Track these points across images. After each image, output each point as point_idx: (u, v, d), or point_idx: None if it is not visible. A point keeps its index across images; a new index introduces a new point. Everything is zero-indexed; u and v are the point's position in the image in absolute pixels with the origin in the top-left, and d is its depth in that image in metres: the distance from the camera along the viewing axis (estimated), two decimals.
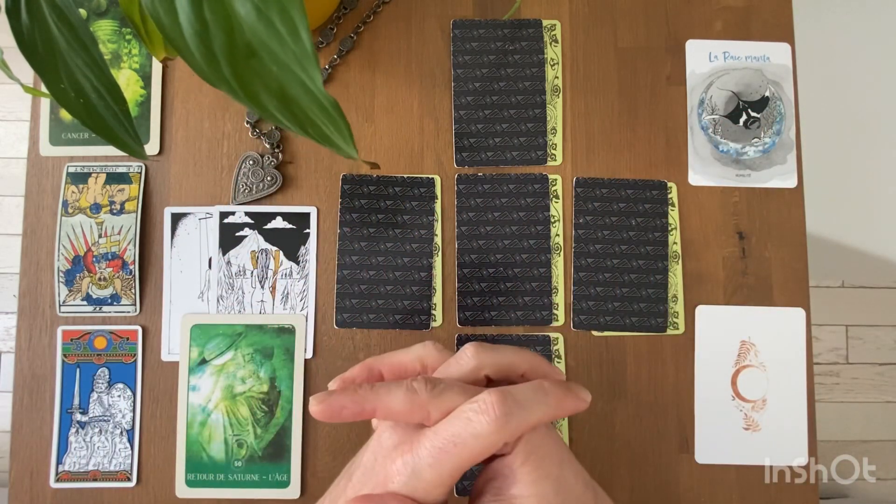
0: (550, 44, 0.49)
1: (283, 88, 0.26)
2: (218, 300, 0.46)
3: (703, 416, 0.46)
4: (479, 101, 0.48)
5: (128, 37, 0.48)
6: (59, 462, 0.45)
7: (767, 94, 0.48)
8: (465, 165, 0.48)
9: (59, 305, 0.46)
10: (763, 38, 0.49)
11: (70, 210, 0.46)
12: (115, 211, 0.46)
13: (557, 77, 0.48)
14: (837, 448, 1.22)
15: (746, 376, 0.46)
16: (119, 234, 0.46)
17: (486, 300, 0.46)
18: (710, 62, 0.49)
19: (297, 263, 0.46)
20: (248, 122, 0.48)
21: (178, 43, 0.26)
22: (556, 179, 0.47)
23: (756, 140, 0.48)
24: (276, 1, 0.25)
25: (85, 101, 0.29)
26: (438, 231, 0.47)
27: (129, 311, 0.46)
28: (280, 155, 0.47)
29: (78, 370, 0.45)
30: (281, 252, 0.46)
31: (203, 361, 0.45)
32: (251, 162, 0.47)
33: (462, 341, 0.46)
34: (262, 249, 0.46)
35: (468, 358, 0.28)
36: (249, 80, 0.26)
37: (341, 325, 0.46)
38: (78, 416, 0.45)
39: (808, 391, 0.46)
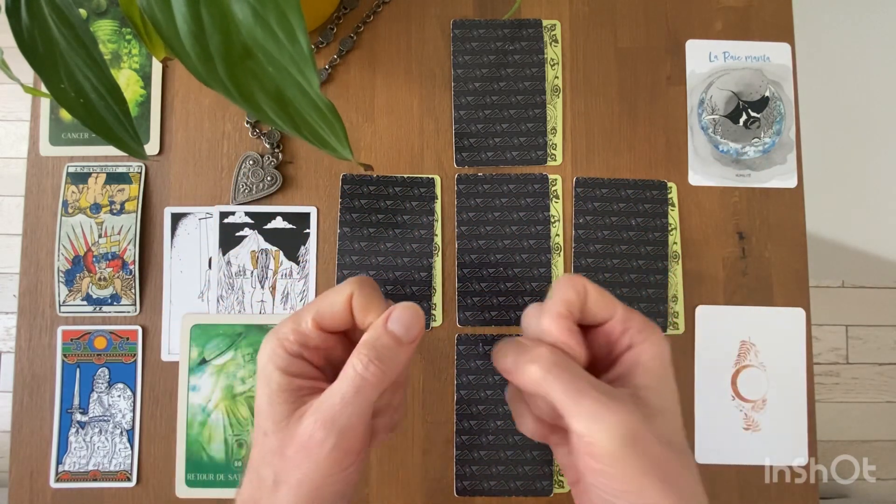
0: (550, 44, 0.49)
1: (280, 90, 0.26)
2: (218, 300, 0.46)
3: (703, 416, 0.46)
4: (479, 101, 0.48)
5: (128, 37, 0.48)
6: (59, 462, 0.45)
7: (767, 94, 0.48)
8: (465, 165, 0.48)
9: (59, 305, 0.46)
10: (763, 38, 0.49)
11: (70, 210, 0.46)
12: (115, 211, 0.46)
13: (557, 77, 0.48)
14: (837, 448, 1.22)
15: (746, 376, 0.46)
16: (119, 234, 0.46)
17: (486, 300, 0.46)
18: (710, 62, 0.49)
19: (297, 263, 0.46)
20: (248, 122, 0.48)
21: (174, 42, 0.26)
22: (556, 179, 0.47)
23: (756, 140, 0.48)
24: (273, 3, 0.25)
25: (85, 101, 0.29)
26: (438, 231, 0.47)
27: (129, 311, 0.46)
28: (280, 155, 0.47)
29: (78, 370, 0.45)
30: (281, 252, 0.46)
31: (203, 361, 0.45)
32: (251, 162, 0.47)
33: (462, 341, 0.46)
34: (262, 249, 0.46)
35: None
36: (245, 82, 0.26)
37: None
38: (78, 416, 0.45)
39: (808, 391, 0.46)
